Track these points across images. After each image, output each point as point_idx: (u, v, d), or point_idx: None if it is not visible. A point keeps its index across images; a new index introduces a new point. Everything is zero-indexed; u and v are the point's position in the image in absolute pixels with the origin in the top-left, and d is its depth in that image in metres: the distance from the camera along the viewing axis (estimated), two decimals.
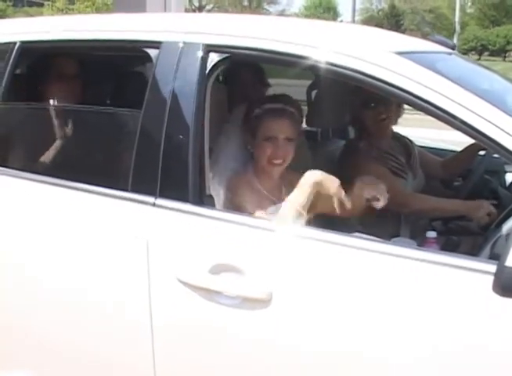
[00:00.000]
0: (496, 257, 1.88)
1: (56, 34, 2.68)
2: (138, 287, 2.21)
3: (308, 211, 2.47)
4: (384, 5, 54.95)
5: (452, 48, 2.95)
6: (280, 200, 2.60)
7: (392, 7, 52.30)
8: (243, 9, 46.33)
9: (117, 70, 3.47)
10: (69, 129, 2.61)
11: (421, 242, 2.58)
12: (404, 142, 3.33)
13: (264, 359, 2.09)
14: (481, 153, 3.28)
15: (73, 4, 41.78)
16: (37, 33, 2.75)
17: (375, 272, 1.96)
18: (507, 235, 2.06)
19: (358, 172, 3.00)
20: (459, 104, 1.95)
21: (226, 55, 2.27)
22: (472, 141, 2.62)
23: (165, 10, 8.50)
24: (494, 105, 1.98)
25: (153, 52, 2.34)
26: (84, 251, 2.36)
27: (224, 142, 2.70)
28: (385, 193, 2.48)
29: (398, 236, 2.81)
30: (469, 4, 53.68)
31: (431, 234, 2.57)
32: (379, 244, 2.03)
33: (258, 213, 2.45)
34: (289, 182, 2.67)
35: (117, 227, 2.32)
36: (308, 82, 3.48)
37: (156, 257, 2.19)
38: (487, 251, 2.11)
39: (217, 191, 2.53)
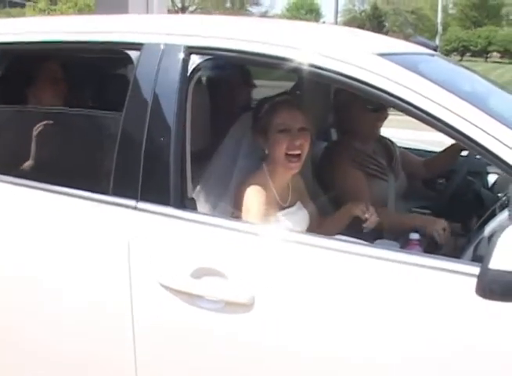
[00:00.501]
0: (479, 259, 1.88)
1: (36, 35, 2.65)
2: (120, 292, 2.19)
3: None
4: (367, 7, 55.17)
5: (434, 50, 2.96)
6: (286, 203, 2.59)
7: (375, 8, 52.51)
8: (225, 11, 46.32)
9: (98, 72, 3.44)
10: (49, 132, 2.58)
11: (404, 244, 2.58)
12: (385, 144, 3.32)
13: (246, 363, 2.07)
14: (464, 153, 3.28)
15: (56, 5, 41.61)
16: (16, 34, 2.71)
17: (358, 275, 1.96)
18: (490, 237, 2.06)
19: (336, 176, 3.01)
20: (440, 105, 1.94)
21: (208, 57, 2.25)
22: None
23: (147, 12, 8.46)
24: (475, 106, 1.98)
25: (134, 54, 2.32)
26: (66, 256, 2.33)
27: (232, 145, 2.64)
28: (376, 217, 2.57)
29: (381, 238, 2.81)
30: (451, 5, 54.03)
31: (414, 236, 2.57)
32: (362, 247, 2.02)
33: (267, 215, 2.42)
34: (294, 186, 2.67)
35: (98, 231, 2.29)
36: (290, 84, 3.47)
37: (137, 261, 2.17)
38: (470, 252, 2.12)
39: (225, 194, 2.53)
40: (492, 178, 3.49)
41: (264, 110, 2.54)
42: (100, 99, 3.24)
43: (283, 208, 2.57)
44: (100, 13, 3.90)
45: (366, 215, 2.57)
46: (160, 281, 2.11)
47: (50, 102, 2.93)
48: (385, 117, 3.13)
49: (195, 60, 2.23)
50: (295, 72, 2.44)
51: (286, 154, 2.49)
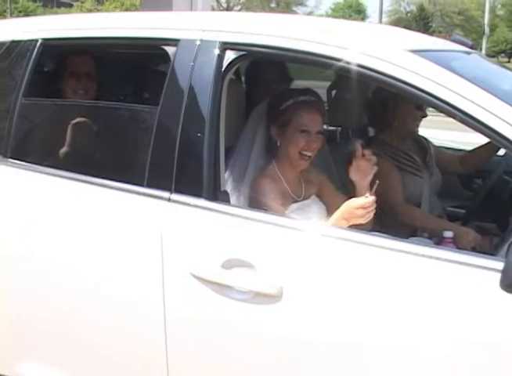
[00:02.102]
0: None
1: (76, 31, 2.73)
2: (153, 281, 2.24)
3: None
4: (413, 7, 54.59)
5: (471, 48, 2.93)
6: (300, 197, 2.62)
7: (421, 9, 51.89)
8: (270, 11, 46.31)
9: (136, 67, 3.50)
10: (86, 125, 2.63)
11: (438, 241, 2.58)
12: (420, 141, 3.32)
13: (274, 353, 2.10)
14: (500, 153, 3.25)
15: (102, 5, 42.14)
16: (58, 30, 2.79)
17: (391, 270, 1.97)
18: None
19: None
20: (472, 102, 1.94)
21: (242, 52, 2.29)
22: None
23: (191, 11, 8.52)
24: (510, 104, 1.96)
25: (170, 50, 2.37)
26: (100, 245, 2.40)
27: (246, 139, 2.69)
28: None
29: (415, 235, 2.81)
30: (499, 6, 53.03)
31: (448, 234, 2.57)
32: (395, 242, 2.03)
33: (280, 209, 2.45)
34: (307, 179, 2.69)
35: (132, 221, 2.35)
36: (315, 82, 3.49)
37: (170, 251, 2.22)
38: (504, 250, 2.10)
39: (239, 186, 2.56)
40: None
41: (287, 105, 2.56)
42: (137, 93, 3.29)
43: (296, 201, 2.60)
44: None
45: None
46: (192, 271, 2.16)
47: (88, 96, 2.99)
48: (425, 116, 3.14)
49: (230, 56, 2.27)
50: (326, 67, 2.44)
51: (300, 153, 2.56)
